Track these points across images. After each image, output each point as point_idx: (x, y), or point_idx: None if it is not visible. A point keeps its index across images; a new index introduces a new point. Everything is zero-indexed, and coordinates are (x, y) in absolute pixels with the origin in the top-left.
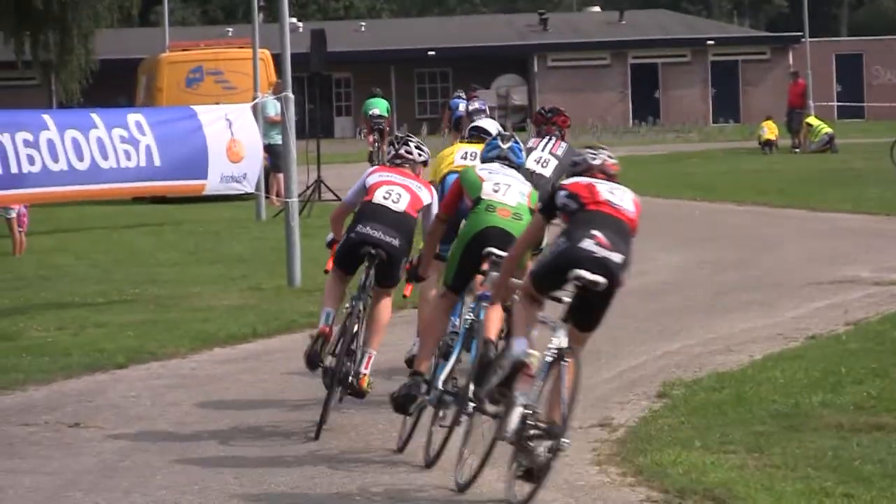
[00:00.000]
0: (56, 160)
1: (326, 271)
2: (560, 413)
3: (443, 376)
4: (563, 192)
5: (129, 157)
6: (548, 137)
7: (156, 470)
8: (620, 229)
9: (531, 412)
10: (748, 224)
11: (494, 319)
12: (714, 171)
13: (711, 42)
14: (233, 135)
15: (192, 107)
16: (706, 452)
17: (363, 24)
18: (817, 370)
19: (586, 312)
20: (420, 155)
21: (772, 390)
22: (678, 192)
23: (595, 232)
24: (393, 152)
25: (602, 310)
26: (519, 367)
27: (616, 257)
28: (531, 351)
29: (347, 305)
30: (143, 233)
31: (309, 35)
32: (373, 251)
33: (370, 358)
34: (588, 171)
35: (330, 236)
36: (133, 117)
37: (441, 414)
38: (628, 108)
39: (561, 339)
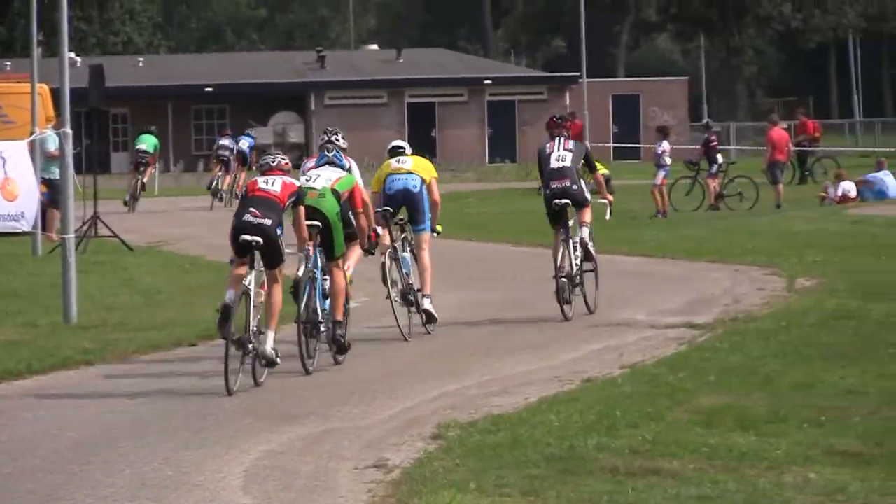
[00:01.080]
0: None
1: None
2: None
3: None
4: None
5: None
6: (558, 139)
7: None
8: (269, 205)
9: None
10: (525, 264)
11: None
12: (490, 210)
13: (489, 81)
14: (6, 173)
15: None
16: (481, 495)
17: (141, 59)
18: (593, 413)
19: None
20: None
21: (547, 433)
22: (454, 231)
23: (251, 208)
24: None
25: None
26: None
27: (267, 221)
28: None
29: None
30: None
31: (87, 70)
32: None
33: None
34: (269, 170)
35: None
36: None
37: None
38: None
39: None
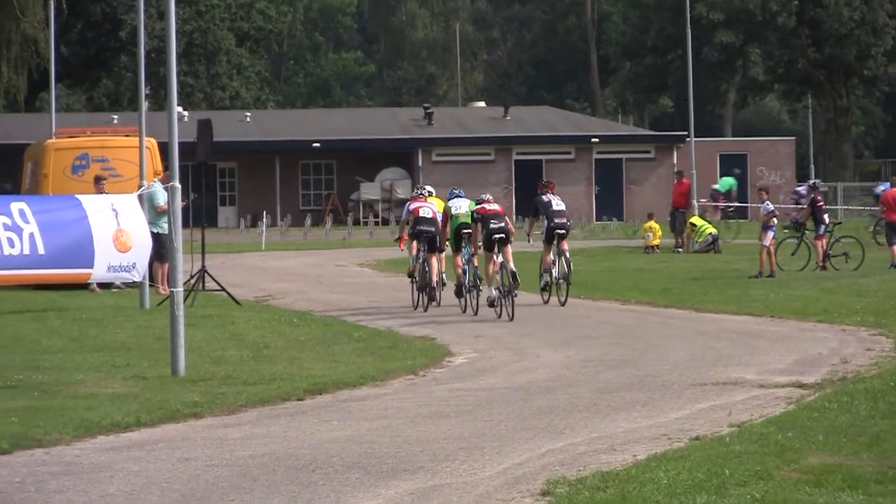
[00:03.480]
0: None
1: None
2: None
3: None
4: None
5: (12, 245)
6: (550, 193)
7: None
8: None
9: None
10: (632, 323)
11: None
12: (597, 268)
13: (596, 140)
14: (119, 224)
15: (76, 196)
16: None
17: (248, 114)
18: (701, 471)
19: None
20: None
21: (655, 491)
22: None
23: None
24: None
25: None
26: None
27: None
28: None
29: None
30: (27, 318)
31: (195, 124)
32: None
33: None
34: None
35: (397, 235)
36: (17, 205)
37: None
38: (512, 204)
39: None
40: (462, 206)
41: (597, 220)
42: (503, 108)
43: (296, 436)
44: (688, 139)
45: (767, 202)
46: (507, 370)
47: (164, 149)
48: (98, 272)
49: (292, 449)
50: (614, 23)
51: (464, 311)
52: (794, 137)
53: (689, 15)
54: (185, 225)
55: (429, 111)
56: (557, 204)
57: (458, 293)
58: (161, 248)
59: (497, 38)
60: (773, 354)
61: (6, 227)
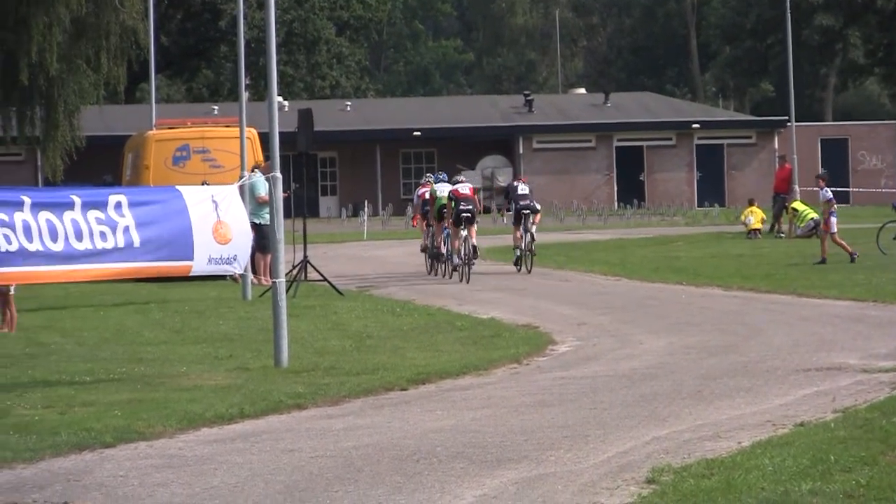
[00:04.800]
0: (30, 241)
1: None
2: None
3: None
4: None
5: (104, 239)
6: (519, 181)
7: None
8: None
9: None
10: (734, 309)
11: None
12: (699, 254)
13: (697, 125)
14: (219, 217)
15: (176, 187)
16: None
17: (349, 103)
18: (806, 458)
19: None
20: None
21: (761, 478)
22: (663, 275)
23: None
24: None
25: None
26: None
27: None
28: None
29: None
30: (130, 311)
31: (295, 114)
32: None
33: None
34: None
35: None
36: (114, 198)
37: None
38: (613, 191)
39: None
40: (444, 190)
41: (698, 207)
42: (603, 94)
43: (399, 426)
44: (788, 124)
45: (826, 189)
46: (610, 357)
47: (265, 139)
48: (198, 265)
49: (396, 439)
50: (714, 7)
51: (435, 274)
52: (895, 121)
53: None
54: (287, 215)
55: (529, 98)
56: (522, 189)
57: (439, 259)
58: (262, 239)
59: (597, 23)
60: (876, 339)
61: (99, 221)
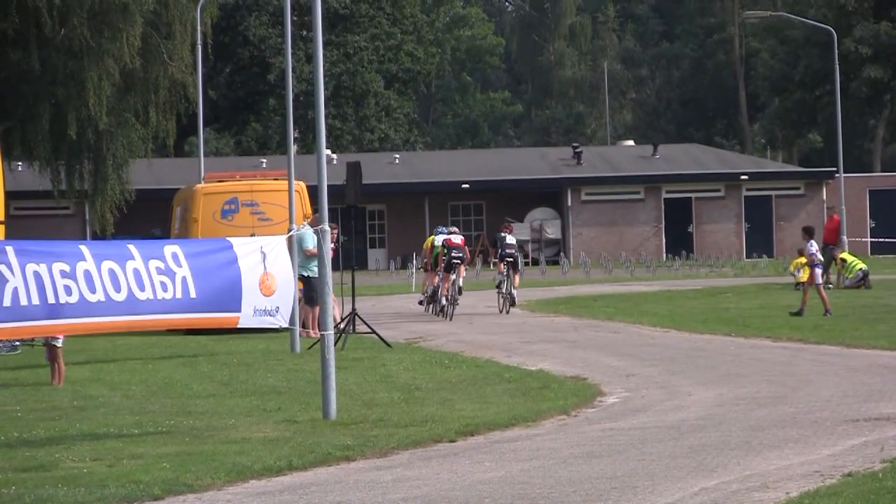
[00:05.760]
0: (93, 291)
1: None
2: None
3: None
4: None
5: (165, 289)
6: (506, 232)
7: None
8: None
9: None
10: (783, 360)
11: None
12: (748, 306)
13: (745, 177)
14: (266, 268)
15: (227, 238)
16: None
17: (397, 156)
18: None
19: None
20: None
21: None
22: (712, 327)
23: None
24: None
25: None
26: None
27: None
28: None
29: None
30: (178, 364)
31: (343, 166)
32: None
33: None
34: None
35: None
36: (170, 249)
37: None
38: (662, 242)
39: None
40: (440, 240)
41: (747, 258)
42: (652, 146)
43: (448, 478)
44: (837, 175)
45: (811, 242)
46: (658, 409)
47: (314, 192)
48: (245, 316)
49: (444, 491)
50: (762, 59)
51: (430, 313)
52: None
53: (836, 50)
54: (336, 268)
55: (577, 150)
56: (510, 240)
57: (435, 300)
58: (311, 292)
59: (645, 76)
60: None
61: (159, 271)
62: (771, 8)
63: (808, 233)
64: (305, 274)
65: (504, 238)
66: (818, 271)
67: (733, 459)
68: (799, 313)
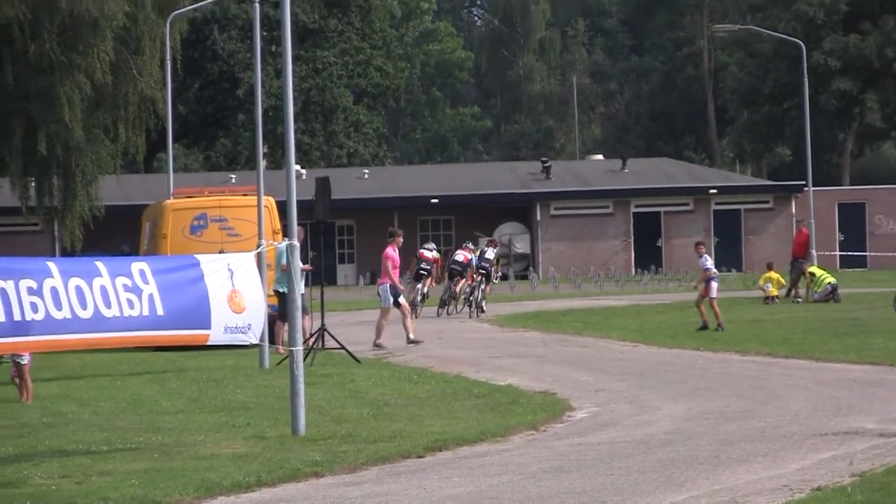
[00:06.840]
0: (60, 308)
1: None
2: None
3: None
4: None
5: (132, 306)
6: (460, 250)
7: None
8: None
9: None
10: (752, 374)
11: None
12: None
13: (714, 191)
14: (234, 285)
15: (195, 255)
16: None
17: (366, 171)
18: None
19: None
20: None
21: None
22: (681, 341)
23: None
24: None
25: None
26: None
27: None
28: None
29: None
30: (147, 380)
31: (312, 182)
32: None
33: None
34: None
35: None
36: (137, 266)
37: None
38: (631, 257)
39: None
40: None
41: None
42: (621, 160)
43: (417, 493)
44: (805, 188)
45: (705, 257)
46: (627, 423)
47: (283, 207)
48: (215, 334)
49: None
50: (731, 72)
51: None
52: None
53: (805, 63)
54: (306, 283)
55: (546, 165)
56: (457, 255)
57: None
58: (283, 307)
59: (614, 90)
60: (893, 403)
61: (126, 288)
62: (740, 21)
63: (700, 248)
64: (281, 290)
65: (485, 252)
66: (714, 285)
67: (702, 474)
68: (704, 327)
